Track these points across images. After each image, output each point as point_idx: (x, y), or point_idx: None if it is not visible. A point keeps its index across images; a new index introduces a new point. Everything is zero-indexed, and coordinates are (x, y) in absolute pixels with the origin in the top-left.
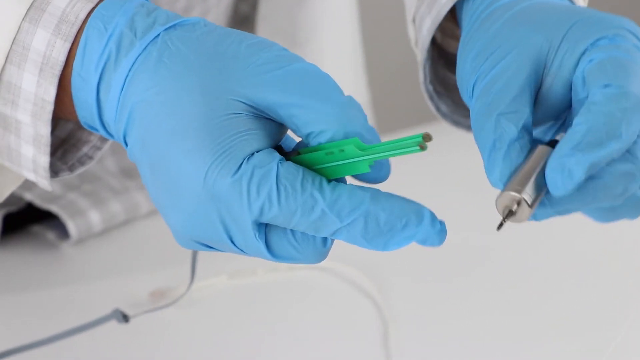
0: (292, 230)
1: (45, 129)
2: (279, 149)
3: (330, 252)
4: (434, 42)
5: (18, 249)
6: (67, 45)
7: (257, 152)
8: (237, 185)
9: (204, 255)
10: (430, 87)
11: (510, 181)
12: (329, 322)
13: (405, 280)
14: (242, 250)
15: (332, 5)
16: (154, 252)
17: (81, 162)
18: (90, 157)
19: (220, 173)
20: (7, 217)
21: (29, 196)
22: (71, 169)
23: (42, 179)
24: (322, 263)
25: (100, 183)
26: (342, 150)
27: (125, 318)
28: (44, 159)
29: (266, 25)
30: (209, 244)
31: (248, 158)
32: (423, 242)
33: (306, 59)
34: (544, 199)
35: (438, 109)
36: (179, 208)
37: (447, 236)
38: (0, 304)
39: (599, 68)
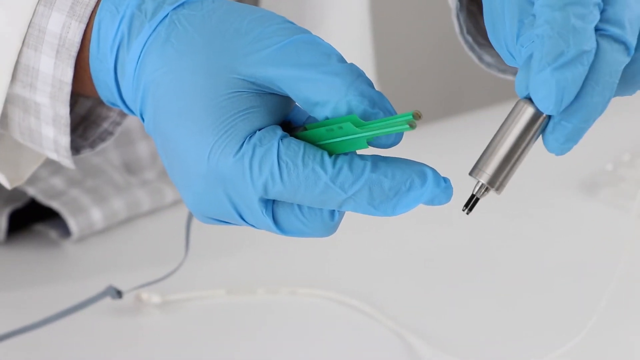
0: (299, 205)
1: (64, 110)
2: (287, 124)
3: (331, 281)
4: None
5: (21, 247)
6: (82, 27)
7: (259, 130)
8: (239, 165)
9: (205, 264)
10: (469, 38)
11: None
12: (326, 348)
13: (402, 303)
14: (253, 225)
15: None
16: (155, 249)
17: (102, 139)
18: (111, 133)
19: (223, 153)
20: (11, 216)
21: (31, 191)
22: (92, 145)
23: (64, 158)
24: (324, 292)
25: (103, 178)
26: (341, 127)
27: (119, 294)
28: (65, 139)
29: None
30: (223, 219)
31: (250, 137)
32: (430, 202)
33: None
34: (551, 127)
35: (481, 59)
36: (189, 187)
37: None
38: (3, 301)
39: None
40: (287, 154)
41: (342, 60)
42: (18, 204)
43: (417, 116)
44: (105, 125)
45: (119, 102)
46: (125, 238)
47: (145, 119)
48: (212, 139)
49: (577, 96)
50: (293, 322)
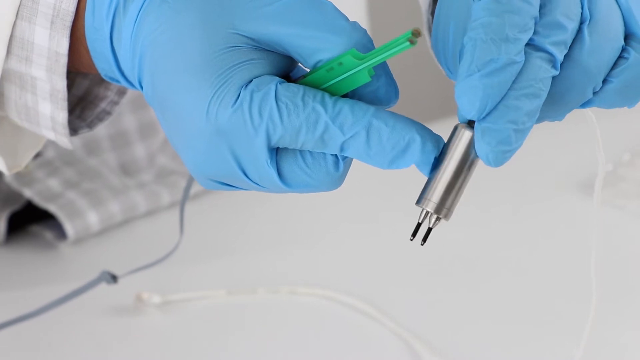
0: (302, 155)
1: (61, 83)
2: (286, 78)
3: (331, 280)
4: None
5: (16, 249)
6: None
7: (256, 77)
8: (238, 113)
9: (205, 264)
10: None
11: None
12: (326, 347)
13: (401, 303)
14: (257, 184)
15: None
16: (152, 251)
17: (100, 118)
18: (109, 113)
19: (222, 104)
20: (9, 217)
21: (28, 193)
22: (90, 125)
23: (61, 137)
24: (324, 292)
25: (100, 181)
26: (341, 63)
27: (114, 279)
28: (62, 115)
29: None
30: (225, 181)
31: (246, 85)
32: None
33: None
34: (479, 133)
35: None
36: (191, 147)
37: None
38: None
39: None
40: (286, 95)
41: (345, 19)
42: (16, 206)
43: (416, 33)
44: (103, 105)
45: (117, 74)
46: (121, 239)
47: (144, 86)
48: (210, 92)
49: (502, 100)
50: (293, 322)
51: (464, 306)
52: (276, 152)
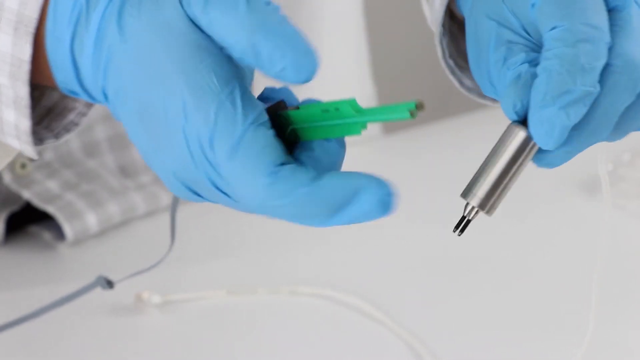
0: None
1: (24, 90)
2: (281, 103)
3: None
4: (453, 16)
5: (15, 249)
6: (40, 1)
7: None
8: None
9: (205, 264)
10: (451, 62)
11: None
12: (327, 347)
13: (402, 302)
14: (227, 195)
15: None
16: (150, 252)
17: (67, 129)
18: (76, 124)
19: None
20: (8, 218)
21: (26, 194)
22: (57, 136)
23: (26, 145)
24: (325, 291)
25: (98, 182)
26: (338, 109)
27: (109, 284)
28: (25, 123)
29: None
30: (198, 190)
31: None
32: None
33: None
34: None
35: (461, 83)
36: (171, 150)
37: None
38: None
39: (543, 10)
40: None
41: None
42: (14, 207)
43: (420, 107)
44: (71, 116)
45: (77, 87)
46: (120, 241)
47: (109, 95)
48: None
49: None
50: (293, 322)
51: (466, 307)
52: None
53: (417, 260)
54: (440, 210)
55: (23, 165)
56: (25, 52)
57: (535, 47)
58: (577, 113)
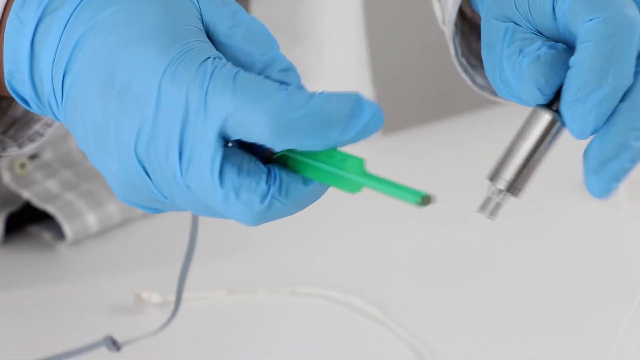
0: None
1: None
2: None
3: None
4: (464, 16)
5: (14, 249)
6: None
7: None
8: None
9: (205, 264)
10: (464, 60)
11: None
12: (327, 347)
13: (403, 302)
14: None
15: None
16: (150, 252)
17: (31, 140)
18: (41, 135)
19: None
20: (7, 218)
21: (26, 194)
22: (21, 145)
23: None
24: (325, 291)
25: (98, 182)
26: (344, 160)
27: (115, 345)
28: None
29: (262, 17)
30: (147, 193)
31: (207, 58)
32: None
33: (305, 53)
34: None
35: (473, 81)
36: (132, 123)
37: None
38: None
39: (575, 8)
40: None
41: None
42: (14, 207)
43: (427, 200)
44: (37, 127)
45: (26, 77)
46: (120, 240)
47: (68, 80)
48: (166, 61)
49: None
50: (294, 322)
51: (466, 307)
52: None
53: (417, 260)
54: (440, 210)
55: (22, 165)
56: None
57: (554, 42)
58: (611, 105)
